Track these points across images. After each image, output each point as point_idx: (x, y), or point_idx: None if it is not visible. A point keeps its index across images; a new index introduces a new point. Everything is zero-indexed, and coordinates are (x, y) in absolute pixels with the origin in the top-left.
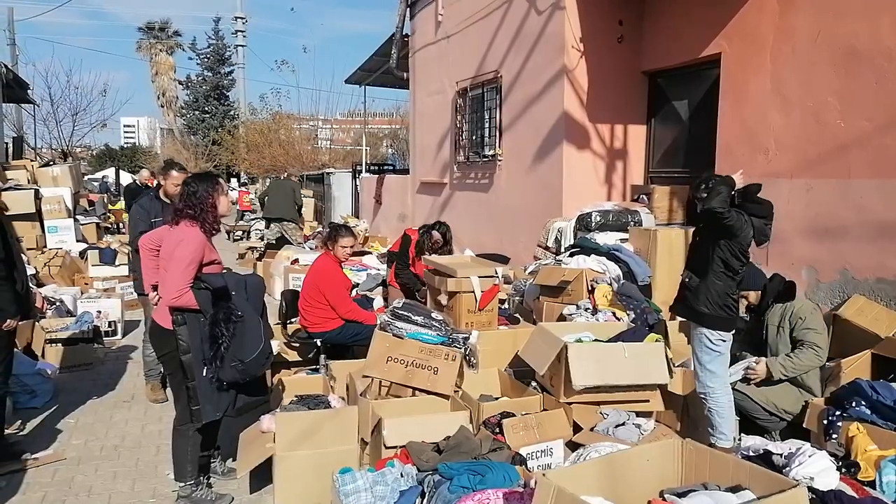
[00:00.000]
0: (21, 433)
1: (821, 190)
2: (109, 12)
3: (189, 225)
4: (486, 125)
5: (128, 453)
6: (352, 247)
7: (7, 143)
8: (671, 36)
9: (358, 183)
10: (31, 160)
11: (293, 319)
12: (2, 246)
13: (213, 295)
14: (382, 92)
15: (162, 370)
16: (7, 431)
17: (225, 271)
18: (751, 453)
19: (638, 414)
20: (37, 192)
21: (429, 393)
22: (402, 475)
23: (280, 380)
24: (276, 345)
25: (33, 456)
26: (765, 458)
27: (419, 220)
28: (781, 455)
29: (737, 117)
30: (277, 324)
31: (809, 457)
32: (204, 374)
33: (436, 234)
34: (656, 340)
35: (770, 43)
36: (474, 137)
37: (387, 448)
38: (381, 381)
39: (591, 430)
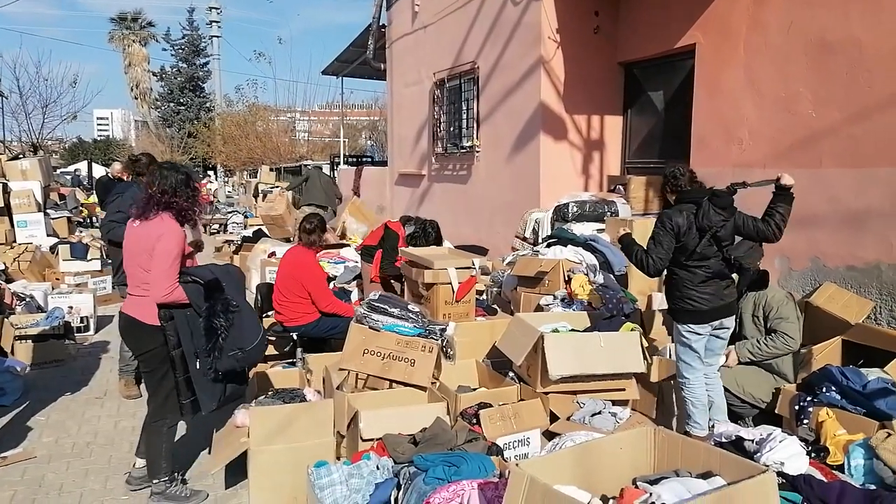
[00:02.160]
0: None
1: (794, 180)
2: (80, 2)
3: (167, 217)
4: (464, 116)
5: (100, 450)
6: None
7: None
8: (647, 27)
9: (336, 175)
10: (0, 153)
11: (269, 313)
12: None
13: (206, 288)
14: (361, 83)
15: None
16: None
17: (203, 264)
18: (723, 440)
19: (614, 402)
20: (5, 185)
21: (406, 385)
22: (378, 468)
23: (256, 374)
24: None
25: (2, 455)
26: (737, 445)
27: (398, 212)
28: (753, 441)
29: (711, 108)
30: None
31: (780, 442)
32: (198, 366)
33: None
34: (631, 330)
35: (743, 34)
36: (452, 129)
37: (364, 441)
38: (357, 374)
39: (568, 419)
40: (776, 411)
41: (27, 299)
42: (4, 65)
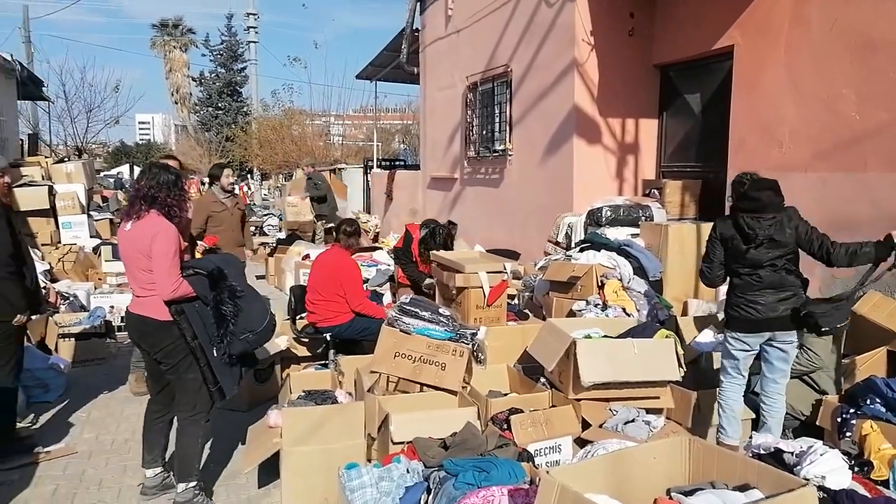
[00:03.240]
0: (34, 427)
1: (836, 183)
2: (123, 10)
3: (155, 214)
4: (497, 120)
5: (138, 447)
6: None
7: (22, 140)
8: (683, 28)
9: (369, 178)
10: (46, 157)
11: (301, 315)
12: (11, 242)
13: (210, 278)
14: (394, 87)
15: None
16: (20, 425)
17: (193, 257)
18: (761, 451)
19: (648, 411)
20: (51, 188)
21: (436, 389)
22: (408, 471)
23: (289, 375)
24: (286, 340)
25: (45, 449)
26: (776, 457)
27: (430, 215)
28: (793, 453)
29: (750, 110)
30: (287, 319)
31: (821, 455)
32: (215, 353)
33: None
34: (666, 336)
35: (784, 34)
36: (484, 132)
37: (394, 444)
38: (388, 377)
39: (600, 426)
40: (817, 423)
41: (71, 298)
42: (52, 71)
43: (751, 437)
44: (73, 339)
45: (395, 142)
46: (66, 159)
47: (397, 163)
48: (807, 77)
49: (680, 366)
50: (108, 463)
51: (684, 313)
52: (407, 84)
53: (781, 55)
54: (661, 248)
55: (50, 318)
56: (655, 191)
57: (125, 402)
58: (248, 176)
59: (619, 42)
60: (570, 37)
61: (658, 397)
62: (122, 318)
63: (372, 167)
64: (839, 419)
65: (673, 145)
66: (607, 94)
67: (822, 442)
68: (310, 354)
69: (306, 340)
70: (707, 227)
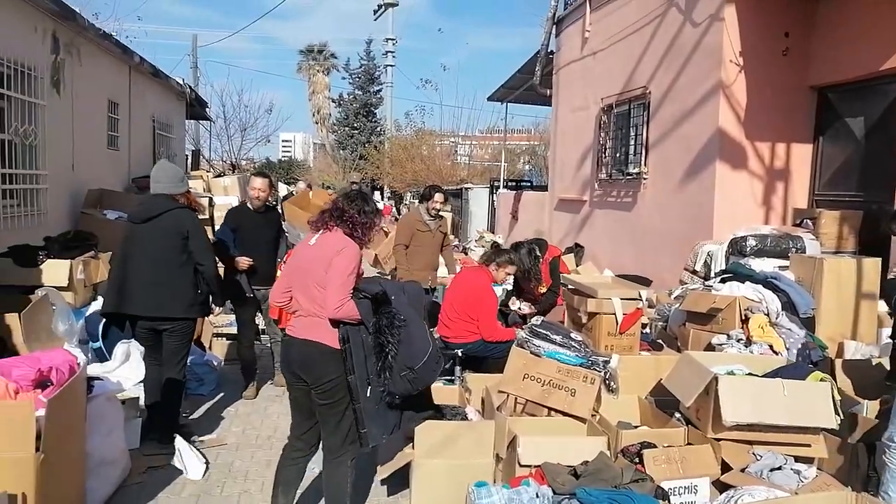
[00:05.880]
0: (189, 416)
1: None
2: (276, 37)
3: (341, 233)
4: (632, 142)
5: (279, 444)
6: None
7: (187, 156)
8: (845, 48)
9: (495, 198)
10: (207, 171)
11: (431, 330)
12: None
13: (373, 301)
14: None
15: None
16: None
17: (373, 278)
18: None
19: (797, 459)
20: (211, 199)
21: (564, 414)
22: (537, 496)
23: None
24: None
25: (200, 438)
26: None
27: (556, 237)
28: None
29: None
30: None
31: None
32: (368, 394)
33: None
34: (821, 379)
35: None
36: (618, 154)
37: (521, 466)
38: (516, 398)
39: (742, 470)
40: None
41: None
42: (214, 93)
43: None
44: (224, 339)
45: (521, 162)
46: (223, 174)
47: (523, 183)
48: None
49: (836, 413)
50: (254, 456)
51: (839, 355)
52: (537, 105)
53: None
54: (814, 282)
55: (206, 318)
56: (808, 221)
57: (268, 400)
58: (379, 193)
59: (771, 62)
60: (716, 57)
61: (809, 445)
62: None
63: (498, 187)
64: None
65: (829, 172)
66: (756, 117)
67: None
68: None
69: None
70: (871, 264)
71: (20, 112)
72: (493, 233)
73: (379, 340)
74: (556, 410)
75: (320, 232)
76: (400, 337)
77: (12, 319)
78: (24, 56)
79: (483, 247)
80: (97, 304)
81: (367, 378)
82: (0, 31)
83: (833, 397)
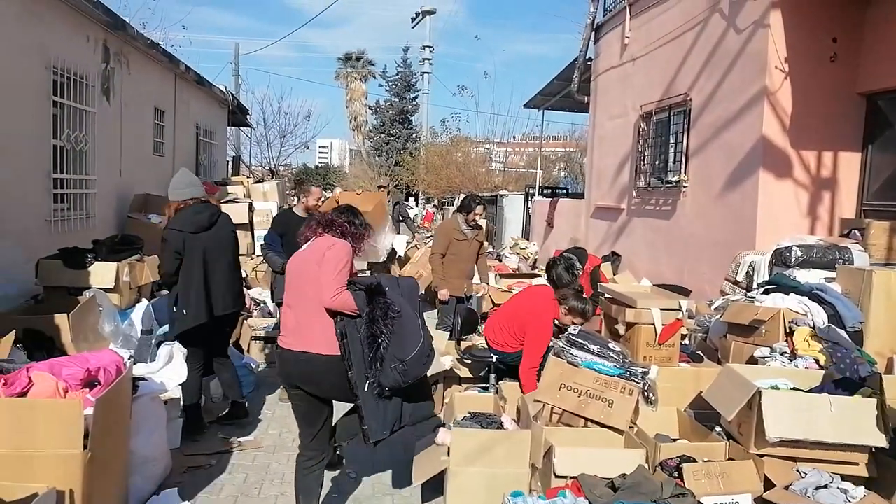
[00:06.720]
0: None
1: None
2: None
3: (331, 235)
4: (671, 150)
5: None
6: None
7: (228, 162)
8: None
9: (530, 205)
10: (247, 177)
11: (465, 337)
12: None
13: (367, 292)
14: (556, 115)
15: None
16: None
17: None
18: None
19: (843, 477)
20: (250, 205)
21: (601, 425)
22: None
23: (452, 395)
24: (450, 360)
25: (238, 439)
26: None
27: (592, 245)
28: None
29: None
30: (451, 339)
31: None
32: (366, 388)
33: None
34: (870, 395)
35: None
36: (657, 162)
37: (556, 477)
38: (552, 408)
39: (786, 488)
40: None
41: (261, 304)
42: (255, 100)
43: None
44: (262, 342)
45: (556, 169)
46: (262, 179)
47: (559, 190)
48: None
49: (885, 431)
50: (290, 459)
51: (888, 371)
52: (573, 112)
53: None
54: (862, 295)
55: (244, 321)
56: (857, 231)
57: None
58: (413, 199)
59: (817, 69)
60: (761, 64)
61: (857, 463)
62: None
63: (533, 194)
64: None
65: (879, 181)
66: (801, 125)
67: None
68: (471, 376)
69: (469, 362)
70: None
71: (72, 119)
72: (527, 240)
73: (372, 330)
74: (593, 421)
75: (311, 241)
76: (393, 328)
77: (61, 320)
78: (77, 65)
79: (517, 254)
80: (142, 307)
81: (366, 372)
82: (56, 42)
83: (882, 414)
